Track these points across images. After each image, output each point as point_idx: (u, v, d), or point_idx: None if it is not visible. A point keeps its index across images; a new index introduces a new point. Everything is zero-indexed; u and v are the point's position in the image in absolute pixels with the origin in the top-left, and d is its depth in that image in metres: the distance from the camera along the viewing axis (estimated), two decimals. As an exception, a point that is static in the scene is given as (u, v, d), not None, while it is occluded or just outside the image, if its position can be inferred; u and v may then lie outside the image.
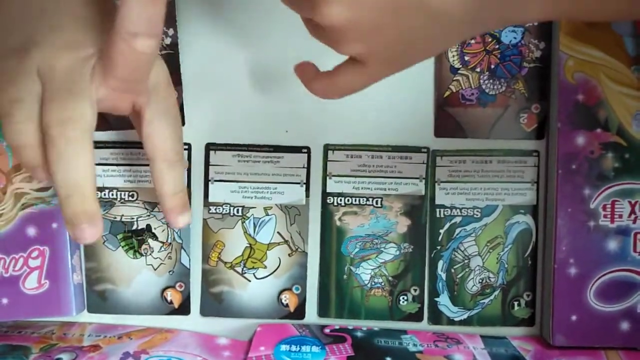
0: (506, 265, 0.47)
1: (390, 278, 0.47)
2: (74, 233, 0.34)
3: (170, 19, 0.45)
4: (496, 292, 0.47)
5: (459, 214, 0.46)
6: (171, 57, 0.45)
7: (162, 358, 0.43)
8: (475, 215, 0.46)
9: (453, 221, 0.47)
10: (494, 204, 0.46)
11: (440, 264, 0.47)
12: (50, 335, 0.45)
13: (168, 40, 0.45)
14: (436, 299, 0.47)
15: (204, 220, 0.47)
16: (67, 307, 0.45)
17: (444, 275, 0.47)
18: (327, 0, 0.30)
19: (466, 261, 0.47)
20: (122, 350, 0.43)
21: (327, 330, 0.46)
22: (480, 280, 0.47)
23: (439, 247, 0.47)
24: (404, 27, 0.31)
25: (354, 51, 0.32)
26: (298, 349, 0.43)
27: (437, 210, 0.47)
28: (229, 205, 0.47)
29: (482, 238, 0.47)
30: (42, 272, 0.45)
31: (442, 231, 0.47)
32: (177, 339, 0.45)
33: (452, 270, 0.47)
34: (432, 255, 0.47)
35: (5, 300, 0.45)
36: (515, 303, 0.47)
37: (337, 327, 0.46)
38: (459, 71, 0.45)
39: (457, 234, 0.47)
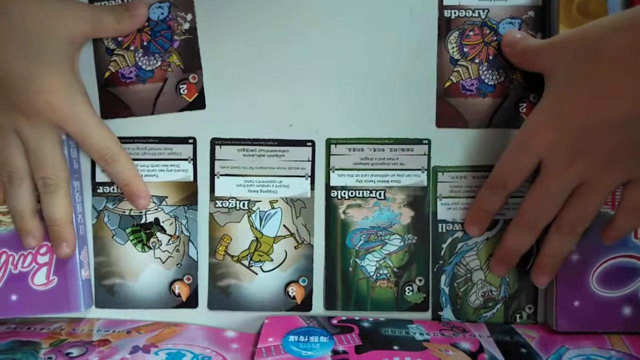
0: (508, 279, 0.47)
1: (395, 269, 0.47)
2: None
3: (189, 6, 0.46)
4: (498, 306, 0.47)
5: (461, 228, 0.47)
6: (190, 42, 0.46)
7: (172, 351, 0.43)
8: None
9: (455, 236, 0.47)
10: (495, 218, 0.47)
11: (443, 278, 0.47)
12: (59, 331, 0.45)
13: (187, 26, 0.46)
14: (440, 313, 0.48)
15: (211, 214, 0.47)
16: (75, 303, 0.45)
17: (447, 289, 0.47)
18: None
19: (468, 275, 0.47)
20: (131, 344, 0.43)
21: (334, 321, 0.46)
22: (483, 294, 0.47)
23: (441, 262, 0.47)
24: None
25: None
26: (306, 339, 0.43)
27: (440, 225, 0.47)
28: (235, 199, 0.47)
29: (483, 252, 0.47)
30: (51, 268, 0.45)
31: (444, 246, 0.47)
32: (185, 332, 0.46)
33: (455, 284, 0.47)
34: (435, 269, 0.47)
35: (14, 297, 0.45)
36: (517, 316, 0.47)
37: (344, 318, 0.47)
38: (459, 62, 0.46)
39: (459, 249, 0.47)
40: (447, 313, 0.47)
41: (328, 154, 0.47)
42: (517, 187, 0.43)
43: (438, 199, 0.47)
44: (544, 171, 0.41)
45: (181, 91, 0.47)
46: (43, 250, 0.45)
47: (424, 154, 0.47)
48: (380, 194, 0.47)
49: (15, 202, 0.44)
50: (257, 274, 0.47)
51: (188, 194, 0.47)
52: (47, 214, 0.44)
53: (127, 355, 0.42)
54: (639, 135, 0.38)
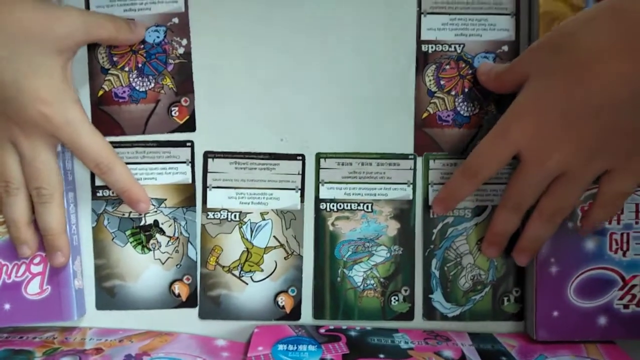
0: (496, 263, 0.49)
1: (381, 279, 0.49)
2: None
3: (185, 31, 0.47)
4: (487, 289, 0.49)
5: (451, 214, 0.49)
6: (184, 67, 0.47)
7: (163, 359, 0.44)
8: (466, 216, 0.49)
9: (445, 221, 0.49)
10: (483, 204, 0.49)
11: (434, 262, 0.49)
12: (52, 339, 0.46)
13: (182, 50, 0.47)
14: (430, 296, 0.49)
15: (203, 225, 0.48)
16: (68, 312, 0.46)
17: (437, 273, 0.49)
18: None
19: (458, 259, 0.49)
20: (124, 352, 0.44)
21: (322, 330, 0.47)
22: (472, 278, 0.49)
23: (432, 247, 0.49)
24: None
25: None
26: (295, 348, 0.44)
27: (430, 211, 0.49)
28: (226, 211, 0.48)
29: (472, 237, 0.49)
30: (44, 278, 0.46)
31: (435, 231, 0.49)
32: (176, 341, 0.47)
33: (445, 268, 0.49)
34: (426, 254, 0.49)
35: (7, 306, 0.45)
36: (505, 299, 0.49)
37: (331, 327, 0.48)
38: (436, 94, 0.48)
39: (449, 234, 0.49)
40: (437, 296, 0.49)
41: (318, 168, 0.49)
42: (490, 176, 0.44)
43: (430, 186, 0.49)
44: (524, 162, 0.42)
45: (172, 113, 0.48)
46: (37, 260, 0.46)
47: (410, 169, 0.49)
48: (367, 206, 0.49)
49: (11, 212, 0.44)
50: (247, 284, 0.48)
51: (187, 195, 0.48)
52: (42, 224, 0.45)
53: (119, 363, 0.43)
54: (618, 121, 0.39)
